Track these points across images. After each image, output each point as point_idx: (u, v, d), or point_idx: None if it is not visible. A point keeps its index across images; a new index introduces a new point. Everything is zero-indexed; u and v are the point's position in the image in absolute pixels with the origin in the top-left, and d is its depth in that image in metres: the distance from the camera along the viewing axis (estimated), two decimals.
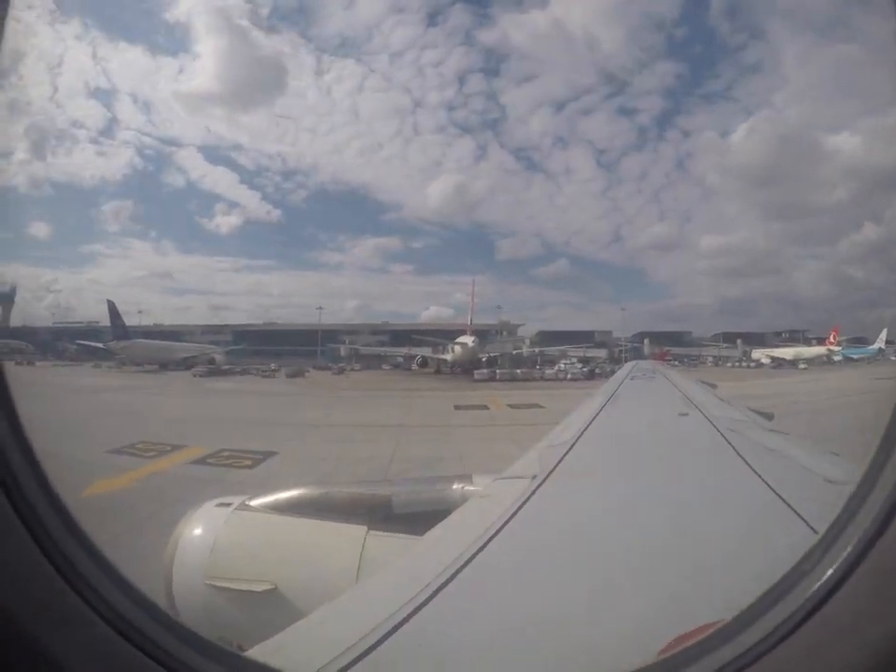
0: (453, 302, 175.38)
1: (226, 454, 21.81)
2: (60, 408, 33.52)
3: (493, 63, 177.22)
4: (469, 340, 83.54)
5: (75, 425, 26.73)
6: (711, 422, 6.16)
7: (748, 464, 4.18)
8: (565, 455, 4.62)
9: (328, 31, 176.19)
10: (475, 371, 76.90)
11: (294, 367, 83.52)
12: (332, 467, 19.40)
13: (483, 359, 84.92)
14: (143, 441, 23.75)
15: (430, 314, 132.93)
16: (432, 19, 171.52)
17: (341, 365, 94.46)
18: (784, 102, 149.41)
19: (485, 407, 41.41)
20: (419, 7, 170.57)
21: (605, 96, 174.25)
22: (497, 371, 79.44)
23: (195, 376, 72.94)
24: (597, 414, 6.89)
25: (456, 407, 40.67)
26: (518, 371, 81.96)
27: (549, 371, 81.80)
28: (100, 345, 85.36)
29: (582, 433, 5.62)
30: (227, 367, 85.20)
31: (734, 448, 4.79)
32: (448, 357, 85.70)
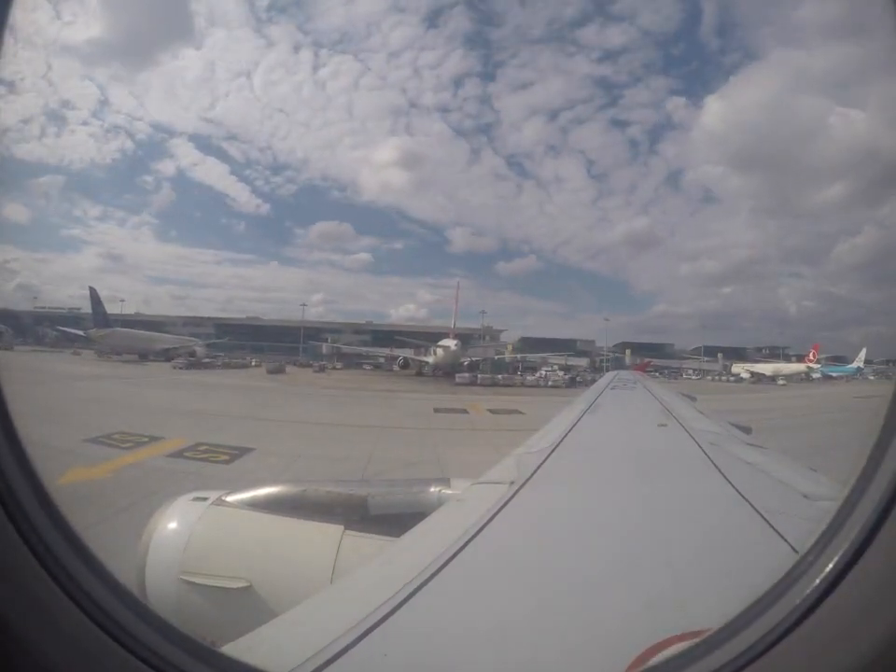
0: (425, 302, 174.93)
1: (203, 447, 21.65)
2: (37, 394, 33.11)
3: (490, 67, 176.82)
4: (451, 343, 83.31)
5: (51, 412, 26.42)
6: (690, 434, 6.20)
7: (725, 477, 4.20)
8: (543, 462, 4.62)
9: (325, 25, 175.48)
10: (456, 375, 76.66)
11: (275, 363, 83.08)
12: (309, 465, 19.36)
13: (465, 363, 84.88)
14: (120, 432, 23.51)
15: (401, 313, 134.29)
16: (432, 20, 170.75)
17: (322, 363, 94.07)
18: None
19: (465, 411, 41.38)
20: (418, 8, 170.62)
21: (598, 107, 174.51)
22: (479, 375, 79.28)
23: (175, 368, 72.28)
24: (577, 422, 6.97)
25: (436, 410, 40.52)
26: (499, 376, 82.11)
27: (530, 378, 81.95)
28: (80, 333, 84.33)
29: (561, 440, 5.63)
30: (207, 360, 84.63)
31: (711, 460, 4.82)
32: (430, 359, 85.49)
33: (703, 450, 5.28)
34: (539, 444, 5.52)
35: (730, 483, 4.02)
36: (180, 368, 72.74)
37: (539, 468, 4.43)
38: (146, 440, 22.65)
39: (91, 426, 24.17)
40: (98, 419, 26.44)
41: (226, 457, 20.36)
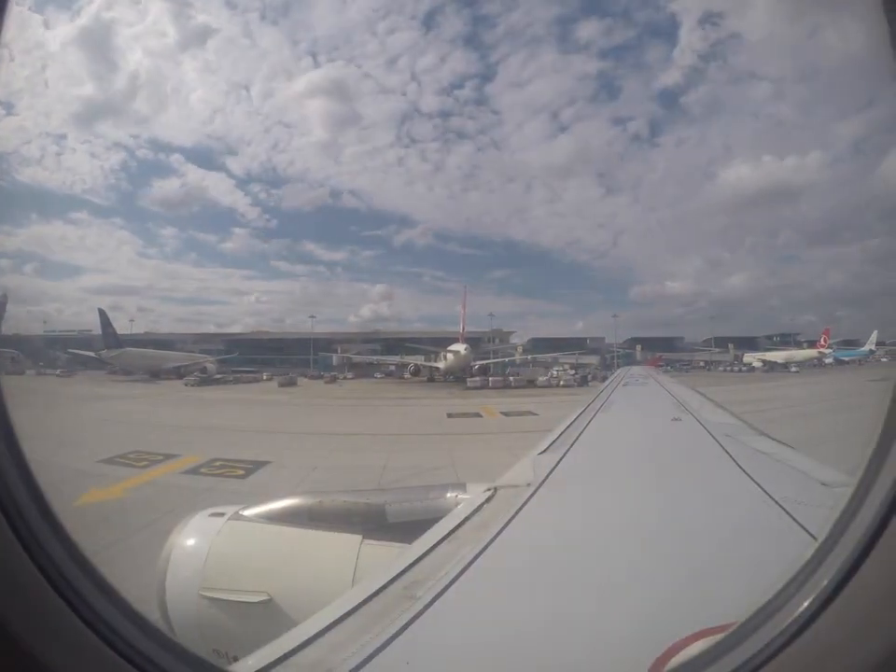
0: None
1: (218, 463, 21.65)
2: (50, 417, 33.28)
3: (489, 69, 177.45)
4: (461, 348, 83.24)
5: (65, 434, 26.52)
6: (704, 427, 6.23)
7: (742, 469, 4.23)
8: (558, 463, 4.64)
9: (321, 33, 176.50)
10: (468, 379, 76.60)
11: (286, 376, 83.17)
12: (325, 475, 19.31)
13: (475, 367, 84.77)
14: (135, 451, 23.54)
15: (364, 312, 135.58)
16: (427, 23, 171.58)
17: (333, 374, 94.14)
18: None
19: (478, 415, 41.14)
20: (413, 14, 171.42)
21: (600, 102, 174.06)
22: (490, 378, 78.96)
23: (187, 385, 72.38)
24: (591, 420, 7.02)
25: (449, 415, 40.41)
26: (511, 378, 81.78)
27: (541, 379, 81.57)
28: (91, 354, 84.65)
29: (576, 440, 5.66)
30: (219, 376, 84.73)
31: (727, 453, 4.86)
32: (441, 365, 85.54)
33: (718, 442, 5.31)
34: (554, 445, 5.51)
35: (747, 474, 4.05)
36: (192, 385, 72.84)
37: (554, 468, 4.46)
38: (160, 458, 22.67)
39: (105, 446, 24.14)
40: (112, 439, 26.46)
41: (241, 472, 20.33)
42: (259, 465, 21.33)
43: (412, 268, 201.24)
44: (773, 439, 5.72)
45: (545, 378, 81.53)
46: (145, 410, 43.92)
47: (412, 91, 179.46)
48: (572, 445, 5.40)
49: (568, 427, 6.59)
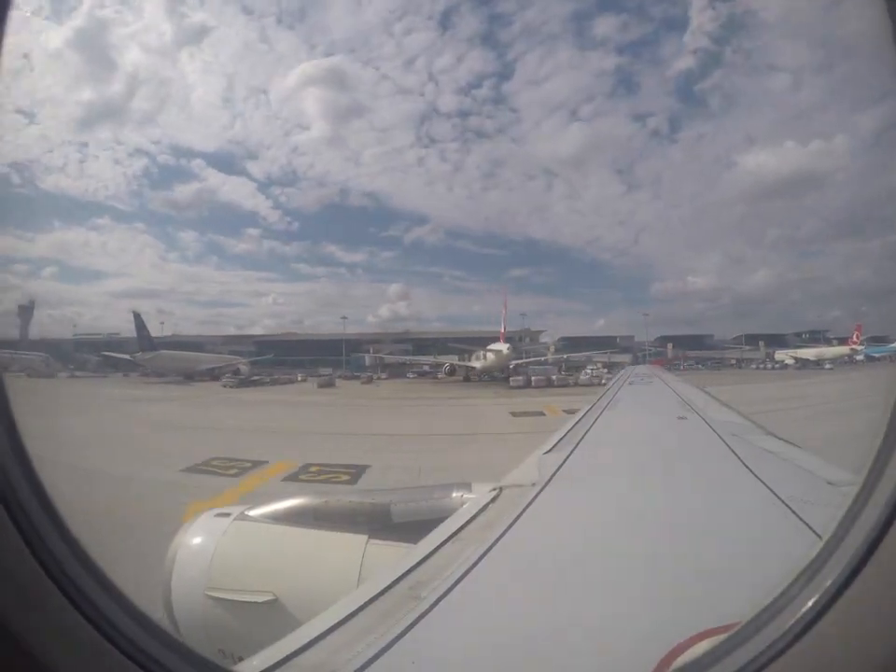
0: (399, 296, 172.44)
1: (315, 469, 20.56)
2: (106, 423, 32.61)
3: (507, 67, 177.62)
4: (503, 347, 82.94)
5: (129, 439, 25.68)
6: (710, 425, 6.39)
7: (748, 468, 4.27)
8: (564, 462, 4.71)
9: (338, 35, 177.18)
10: (511, 378, 76.35)
11: (324, 377, 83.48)
12: (439, 476, 17.50)
13: (511, 367, 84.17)
14: (216, 458, 22.48)
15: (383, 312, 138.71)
16: (444, 23, 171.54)
17: (369, 374, 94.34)
18: None
19: (542, 413, 40.44)
20: (430, 14, 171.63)
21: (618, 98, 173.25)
22: (533, 378, 78.04)
23: (225, 387, 72.51)
24: (596, 420, 7.25)
25: (513, 414, 39.89)
26: (553, 377, 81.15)
27: (583, 378, 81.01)
28: (126, 357, 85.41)
29: (582, 439, 5.80)
30: (256, 377, 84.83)
31: (733, 451, 4.93)
32: (477, 364, 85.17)
33: (724, 441, 5.40)
34: (559, 444, 5.62)
35: (753, 473, 4.08)
36: (231, 387, 72.82)
37: (560, 468, 4.51)
38: (248, 465, 21.57)
39: (179, 453, 23.20)
40: (183, 445, 25.66)
41: (346, 477, 19.24)
42: (360, 469, 20.22)
43: (430, 268, 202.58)
44: (779, 438, 5.73)
45: (586, 376, 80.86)
46: (195, 413, 43.44)
47: (430, 92, 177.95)
48: (577, 444, 5.50)
49: (574, 426, 6.73)
